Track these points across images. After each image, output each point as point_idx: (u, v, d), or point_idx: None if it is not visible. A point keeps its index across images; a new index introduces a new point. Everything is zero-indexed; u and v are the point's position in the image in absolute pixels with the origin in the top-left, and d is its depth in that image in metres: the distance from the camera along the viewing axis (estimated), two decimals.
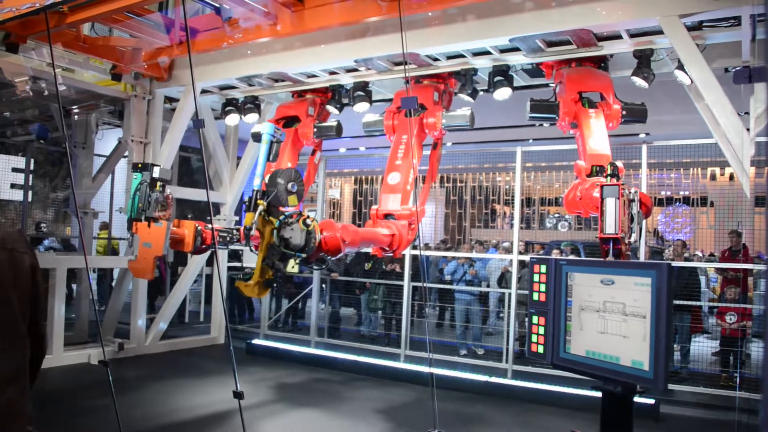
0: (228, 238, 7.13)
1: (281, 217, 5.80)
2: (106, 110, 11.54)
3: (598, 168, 6.39)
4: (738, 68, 6.72)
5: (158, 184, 6.33)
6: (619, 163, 6.43)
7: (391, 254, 7.25)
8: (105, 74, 9.87)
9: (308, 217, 5.85)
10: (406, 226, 7.04)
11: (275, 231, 5.79)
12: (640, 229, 6.07)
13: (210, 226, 6.91)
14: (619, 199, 5.70)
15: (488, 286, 10.96)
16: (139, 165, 6.37)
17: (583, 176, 6.43)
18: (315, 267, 6.50)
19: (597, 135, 6.65)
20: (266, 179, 5.91)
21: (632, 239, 5.91)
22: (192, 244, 6.64)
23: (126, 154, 11.18)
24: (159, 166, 6.37)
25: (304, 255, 5.83)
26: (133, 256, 6.49)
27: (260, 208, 5.79)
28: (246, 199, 6.05)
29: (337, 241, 5.95)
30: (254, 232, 5.87)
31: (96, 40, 9.19)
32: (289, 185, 5.94)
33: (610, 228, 5.77)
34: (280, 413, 7.46)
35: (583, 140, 6.71)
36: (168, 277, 12.86)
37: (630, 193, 5.80)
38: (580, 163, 6.57)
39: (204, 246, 6.80)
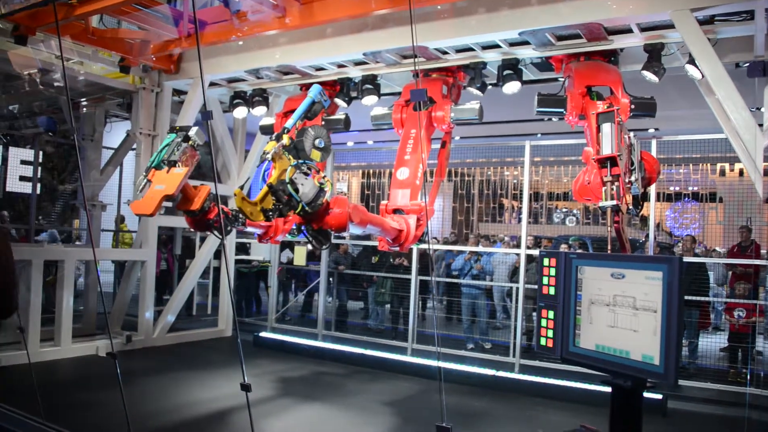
0: (233, 218, 6.94)
1: (299, 161, 5.65)
2: (114, 103, 11.55)
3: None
4: (751, 62, 6.66)
5: (190, 141, 6.21)
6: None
7: (397, 248, 7.24)
8: (113, 66, 9.88)
9: (324, 176, 5.75)
10: (415, 221, 7.02)
11: (289, 169, 5.61)
12: (640, 184, 6.04)
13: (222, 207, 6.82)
14: (614, 124, 5.69)
15: (491, 280, 10.93)
16: (177, 128, 6.25)
17: (591, 162, 6.38)
18: (315, 244, 6.36)
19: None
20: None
21: (633, 178, 5.88)
22: (201, 203, 6.33)
23: (134, 146, 11.20)
24: (195, 127, 6.25)
25: (308, 209, 5.66)
26: (140, 195, 6.16)
27: (285, 138, 5.67)
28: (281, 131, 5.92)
29: (344, 217, 5.85)
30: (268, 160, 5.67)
31: (104, 32, 9.19)
32: (316, 141, 5.86)
33: (607, 148, 5.74)
34: (287, 406, 7.47)
35: (591, 130, 6.66)
36: (176, 270, 12.90)
37: (630, 137, 5.75)
38: (587, 150, 6.53)
39: (209, 219, 6.50)
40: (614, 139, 5.73)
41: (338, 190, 17.83)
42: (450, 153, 8.34)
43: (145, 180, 6.10)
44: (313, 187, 5.58)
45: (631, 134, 5.83)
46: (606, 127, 5.74)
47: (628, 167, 5.87)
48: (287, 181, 5.54)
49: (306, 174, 5.62)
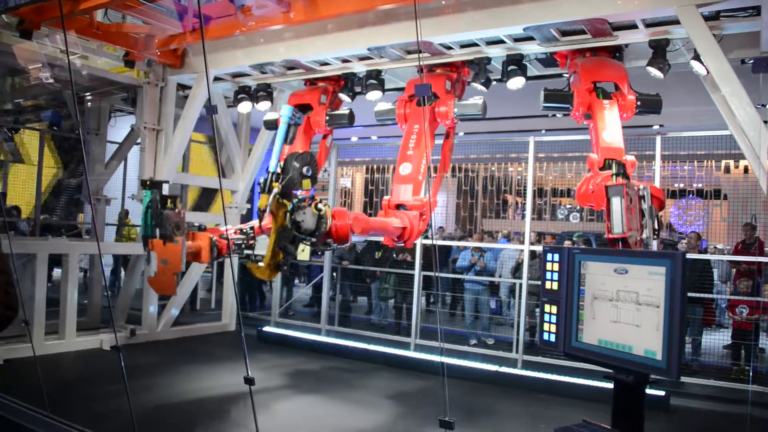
0: (243, 244, 7.14)
1: (295, 201, 5.82)
2: (119, 97, 11.56)
3: (611, 161, 6.39)
4: (756, 58, 6.64)
5: (168, 201, 6.39)
6: (630, 157, 6.46)
7: (402, 244, 7.27)
8: (118, 61, 9.89)
9: (320, 201, 5.88)
10: (418, 216, 7.03)
11: (288, 214, 5.81)
12: (655, 224, 6.06)
13: (224, 234, 6.96)
14: (624, 198, 5.70)
15: (493, 276, 10.93)
16: (148, 182, 6.38)
17: (595, 169, 6.42)
18: (320, 248, 6.52)
19: (610, 127, 6.60)
20: (281, 162, 5.94)
21: (644, 235, 5.89)
22: (208, 256, 6.75)
23: (139, 141, 11.22)
24: (168, 182, 6.39)
25: (314, 239, 5.86)
26: (152, 273, 6.61)
27: (275, 190, 5.81)
28: (261, 180, 6.08)
29: (346, 229, 5.97)
30: (267, 216, 5.90)
31: (109, 26, 9.20)
32: (304, 169, 5.96)
33: (618, 228, 5.78)
34: (291, 400, 7.49)
35: (596, 132, 6.67)
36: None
37: (640, 189, 5.77)
38: (592, 156, 6.55)
39: (220, 256, 6.95)
40: (624, 216, 5.72)
41: (342, 185, 17.82)
42: (453, 146, 8.33)
43: (148, 252, 6.49)
44: (312, 216, 5.82)
45: (641, 186, 5.83)
46: (616, 204, 5.73)
47: (639, 223, 5.88)
48: (288, 226, 5.76)
49: (302, 207, 5.80)
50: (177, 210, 6.48)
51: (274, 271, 6.07)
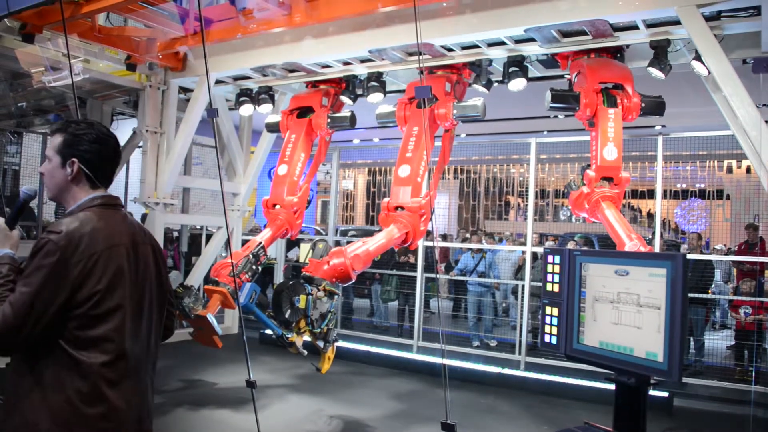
0: (256, 268, 7.50)
1: (308, 319, 6.27)
2: (120, 100, 11.58)
3: (606, 179, 6.64)
4: (757, 58, 6.63)
5: (178, 290, 6.77)
6: (626, 174, 6.61)
7: (407, 247, 7.35)
8: (120, 64, 9.89)
9: (320, 283, 6.34)
10: (418, 218, 7.04)
11: (311, 329, 6.45)
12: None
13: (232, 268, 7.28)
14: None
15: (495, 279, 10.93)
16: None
17: (591, 186, 6.62)
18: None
19: (611, 143, 6.63)
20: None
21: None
22: (233, 303, 7.07)
23: (140, 144, 11.23)
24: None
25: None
26: (192, 331, 7.28)
27: (296, 338, 6.27)
28: (275, 338, 6.82)
29: (347, 270, 6.17)
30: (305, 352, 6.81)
31: (111, 30, 9.20)
32: (294, 299, 6.32)
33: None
34: (293, 402, 7.49)
35: (597, 146, 6.70)
36: (182, 266, 12.93)
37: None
38: (590, 173, 6.70)
39: (242, 283, 7.28)
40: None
41: (344, 188, 17.83)
42: (453, 138, 8.31)
43: (180, 321, 7.08)
44: (325, 299, 6.49)
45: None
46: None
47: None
48: (317, 331, 6.56)
49: (318, 307, 6.49)
50: (190, 289, 6.97)
51: (332, 352, 6.93)
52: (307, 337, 6.81)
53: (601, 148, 6.61)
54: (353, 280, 6.31)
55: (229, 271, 7.13)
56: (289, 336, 6.68)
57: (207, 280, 8.20)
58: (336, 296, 6.43)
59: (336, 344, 6.98)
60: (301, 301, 6.33)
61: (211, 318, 6.70)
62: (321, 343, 6.73)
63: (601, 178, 6.61)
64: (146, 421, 2.40)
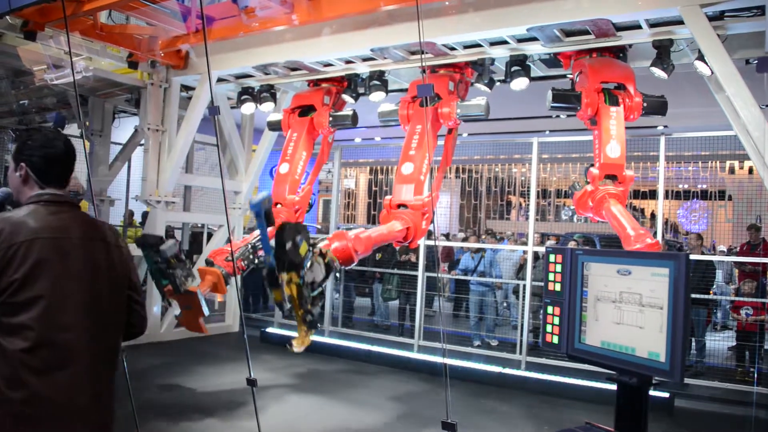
0: (253, 258, 7.30)
1: (301, 272, 5.90)
2: (122, 98, 11.58)
3: (610, 176, 6.55)
4: (761, 58, 6.62)
5: (171, 260, 6.39)
6: (630, 172, 6.55)
7: (407, 245, 7.28)
8: (122, 62, 9.90)
9: (319, 243, 5.98)
10: (420, 216, 7.02)
11: (300, 285, 5.89)
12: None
13: (230, 254, 7.08)
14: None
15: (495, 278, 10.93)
16: (144, 243, 6.26)
17: (596, 184, 6.55)
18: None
19: (614, 140, 6.61)
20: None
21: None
22: (224, 287, 6.92)
23: (142, 142, 11.23)
24: (164, 241, 6.29)
25: (327, 281, 6.01)
26: (178, 314, 6.78)
27: (283, 282, 5.90)
28: (265, 274, 6.13)
29: (349, 252, 6.05)
30: (289, 305, 5.97)
31: (113, 28, 9.20)
32: (297, 239, 6.03)
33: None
34: (293, 401, 7.48)
35: (600, 144, 6.68)
36: None
37: None
38: (593, 171, 6.63)
39: (236, 275, 7.07)
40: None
41: (346, 186, 17.82)
42: (456, 139, 8.30)
43: (168, 301, 6.73)
44: (319, 267, 5.89)
45: None
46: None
47: None
48: (307, 295, 5.86)
49: (310, 266, 5.88)
50: (183, 262, 6.54)
51: (310, 333, 6.23)
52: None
53: (603, 145, 6.59)
54: (355, 263, 6.19)
55: (225, 257, 7.08)
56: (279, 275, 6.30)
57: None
58: (331, 272, 6.12)
59: (313, 332, 6.61)
60: (303, 247, 6.13)
61: (201, 296, 6.52)
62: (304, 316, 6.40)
63: (605, 176, 6.55)
64: (100, 416, 2.50)
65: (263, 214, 5.81)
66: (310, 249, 5.93)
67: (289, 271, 5.89)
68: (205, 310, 6.46)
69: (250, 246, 7.37)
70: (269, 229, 5.51)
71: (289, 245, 5.93)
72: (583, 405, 7.46)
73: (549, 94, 7.01)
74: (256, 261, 7.43)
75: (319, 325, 6.37)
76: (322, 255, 5.88)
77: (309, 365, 9.22)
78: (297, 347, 6.20)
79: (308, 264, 5.86)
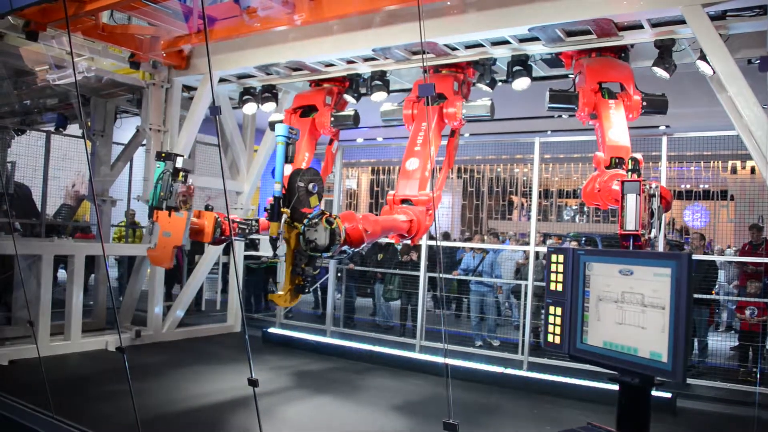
0: (247, 230, 7.15)
1: (305, 221, 5.80)
2: (124, 98, 11.58)
3: (617, 160, 6.36)
4: (763, 58, 6.60)
5: (180, 174, 6.36)
6: (639, 155, 6.41)
7: (409, 241, 7.24)
8: (123, 62, 9.90)
9: (330, 214, 5.86)
10: (424, 212, 7.01)
11: (300, 236, 5.81)
12: (660, 224, 6.02)
13: (229, 217, 6.95)
14: (640, 195, 5.65)
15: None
16: (163, 154, 6.35)
17: (602, 168, 6.40)
18: (338, 259, 6.57)
19: (617, 126, 6.58)
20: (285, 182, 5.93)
21: (652, 235, 5.86)
22: (211, 234, 6.69)
23: (144, 142, 11.23)
24: (182, 156, 6.37)
25: (329, 254, 5.86)
26: (152, 245, 6.61)
27: (284, 216, 5.80)
28: (267, 206, 6.04)
29: (360, 232, 5.97)
30: (281, 242, 5.89)
31: (115, 28, 9.20)
32: (310, 186, 5.96)
33: (631, 224, 5.72)
34: (295, 401, 7.48)
35: (602, 131, 6.64)
36: (185, 265, 12.93)
37: (651, 188, 5.75)
38: (599, 155, 6.53)
39: (223, 237, 6.84)
40: (638, 214, 5.69)
41: (347, 187, 17.81)
42: (458, 145, 8.30)
43: (152, 224, 6.50)
44: (324, 232, 5.78)
45: (653, 184, 5.80)
46: (630, 201, 5.71)
47: (648, 221, 5.84)
48: (303, 249, 5.76)
49: (314, 225, 5.77)
50: (187, 184, 6.50)
51: (296, 296, 6.13)
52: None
53: (606, 131, 6.54)
54: (365, 243, 6.14)
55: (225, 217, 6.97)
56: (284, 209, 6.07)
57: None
58: (335, 245, 5.83)
59: (298, 298, 6.44)
60: (312, 201, 6.07)
61: (189, 221, 6.40)
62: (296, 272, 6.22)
63: (612, 160, 6.38)
64: None
65: (286, 141, 5.82)
66: (322, 212, 5.88)
67: (294, 216, 5.84)
68: (186, 240, 6.34)
69: (253, 221, 7.30)
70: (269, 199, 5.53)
71: (301, 186, 5.88)
72: (585, 405, 7.44)
73: (546, 95, 7.01)
74: (251, 231, 7.28)
75: (307, 290, 6.29)
76: (329, 222, 5.81)
77: (310, 365, 9.22)
78: (277, 302, 6.14)
79: (314, 221, 5.79)
